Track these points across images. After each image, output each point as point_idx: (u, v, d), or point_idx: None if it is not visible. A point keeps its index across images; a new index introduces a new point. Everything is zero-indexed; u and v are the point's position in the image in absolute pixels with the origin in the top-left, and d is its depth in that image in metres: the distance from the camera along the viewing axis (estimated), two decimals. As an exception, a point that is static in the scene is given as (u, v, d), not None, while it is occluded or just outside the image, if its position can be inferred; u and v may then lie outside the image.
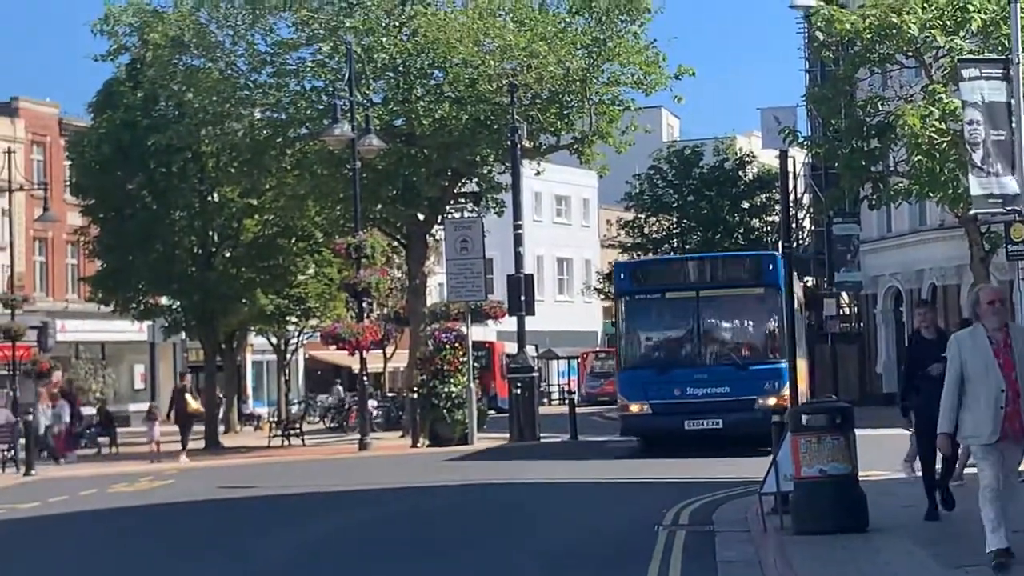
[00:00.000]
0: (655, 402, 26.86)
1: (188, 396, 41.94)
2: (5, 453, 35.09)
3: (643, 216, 67.87)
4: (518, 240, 39.11)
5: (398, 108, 42.11)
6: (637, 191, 67.92)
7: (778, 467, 15.75)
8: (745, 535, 15.18)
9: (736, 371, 26.75)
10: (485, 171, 44.38)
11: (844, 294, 61.10)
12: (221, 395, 51.20)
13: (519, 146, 40.00)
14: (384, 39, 40.92)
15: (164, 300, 49.84)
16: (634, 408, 27.42)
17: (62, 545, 19.56)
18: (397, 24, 41.20)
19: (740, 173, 68.05)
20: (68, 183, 55.84)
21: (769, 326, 27.68)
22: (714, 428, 26.24)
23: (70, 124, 60.51)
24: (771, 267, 27.63)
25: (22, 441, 34.73)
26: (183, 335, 56.66)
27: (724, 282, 28.96)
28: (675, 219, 66.16)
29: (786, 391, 23.85)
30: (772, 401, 25.67)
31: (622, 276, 30.40)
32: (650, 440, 28.40)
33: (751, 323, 28.72)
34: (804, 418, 15.22)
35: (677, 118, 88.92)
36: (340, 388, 62.55)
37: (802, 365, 32.78)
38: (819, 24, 42.94)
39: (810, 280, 56.79)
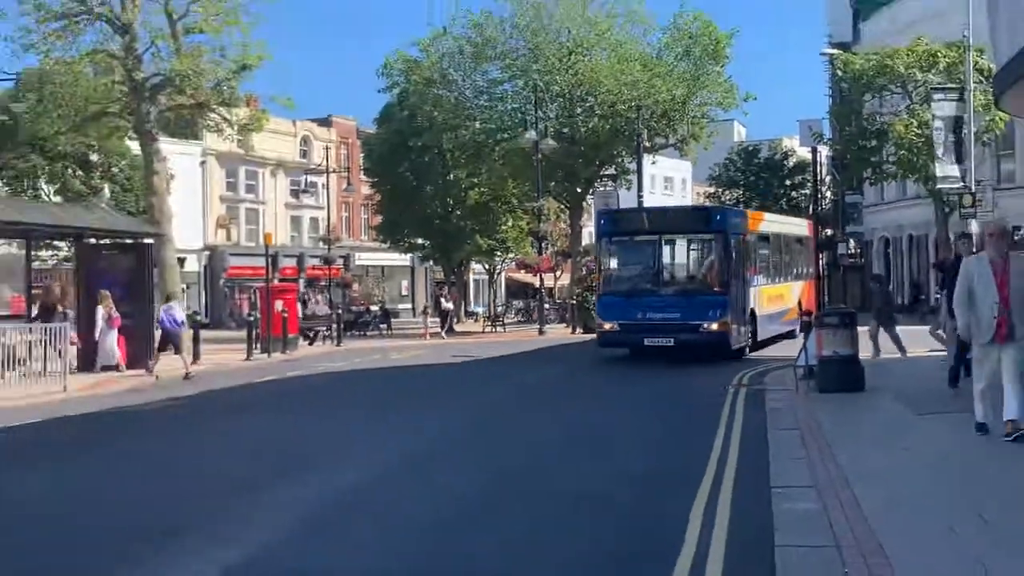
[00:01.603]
0: (622, 322, 22.27)
1: (443, 299, 42.86)
2: (325, 332, 36.00)
3: (721, 190, 66.84)
4: (640, 205, 38.98)
5: (565, 121, 42.01)
6: (717, 174, 66.96)
7: (807, 350, 15.80)
8: (784, 392, 15.23)
9: (686, 300, 21.80)
10: (620, 161, 44.14)
11: (851, 240, 60.17)
12: (454, 299, 52.03)
13: (642, 145, 39.89)
14: (557, 77, 40.80)
15: (420, 240, 50.60)
16: (607, 326, 22.77)
17: (366, 384, 20.32)
18: (565, 68, 41.02)
19: (784, 162, 66.73)
20: (361, 168, 56.66)
21: (715, 265, 22.24)
22: (667, 345, 21.57)
23: (363, 131, 61.43)
24: (718, 217, 23.07)
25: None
26: (431, 262, 57.59)
27: (681, 229, 23.57)
28: (741, 192, 65.06)
29: (727, 318, 21.38)
30: (715, 326, 21.27)
31: (602, 221, 24.38)
32: (629, 350, 23.73)
33: (701, 262, 23.09)
34: (825, 319, 15.22)
35: (744, 127, 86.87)
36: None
37: (810, 285, 30.72)
38: (839, 65, 42.59)
39: (830, 231, 55.78)
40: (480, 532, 7.61)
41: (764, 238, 26.02)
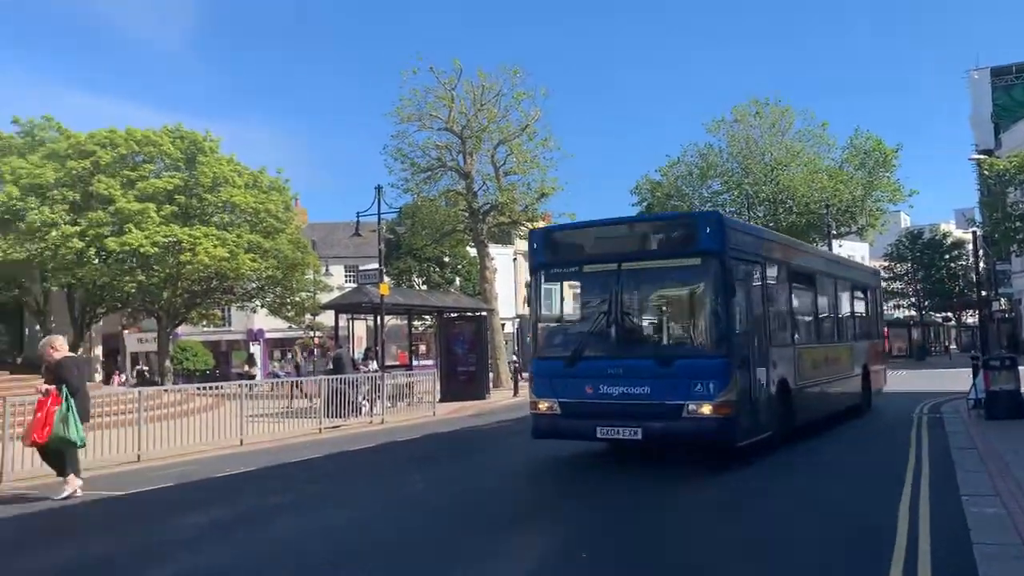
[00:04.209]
0: (564, 400, 9.84)
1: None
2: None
3: (893, 264, 61.80)
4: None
5: (771, 219, 40.48)
6: (890, 251, 62.10)
7: (976, 386, 14.31)
8: (958, 419, 13.76)
9: (659, 366, 9.18)
10: (814, 245, 42.12)
11: (1003, 299, 54.16)
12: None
13: (830, 233, 37.77)
14: (763, 188, 39.63)
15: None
16: (543, 406, 10.04)
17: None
18: (769, 180, 39.70)
19: (943, 241, 61.01)
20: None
21: (706, 308, 9.32)
22: (631, 438, 9.32)
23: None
24: (708, 230, 9.41)
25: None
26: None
27: (653, 251, 9.87)
28: (908, 266, 59.90)
29: (730, 394, 9.04)
30: (706, 408, 8.93)
31: (535, 246, 10.58)
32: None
33: (684, 304, 9.80)
34: (991, 362, 13.76)
35: (908, 216, 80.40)
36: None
37: (877, 348, 17.63)
38: (986, 167, 38.87)
39: (984, 292, 50.55)
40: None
41: (803, 276, 12.74)
